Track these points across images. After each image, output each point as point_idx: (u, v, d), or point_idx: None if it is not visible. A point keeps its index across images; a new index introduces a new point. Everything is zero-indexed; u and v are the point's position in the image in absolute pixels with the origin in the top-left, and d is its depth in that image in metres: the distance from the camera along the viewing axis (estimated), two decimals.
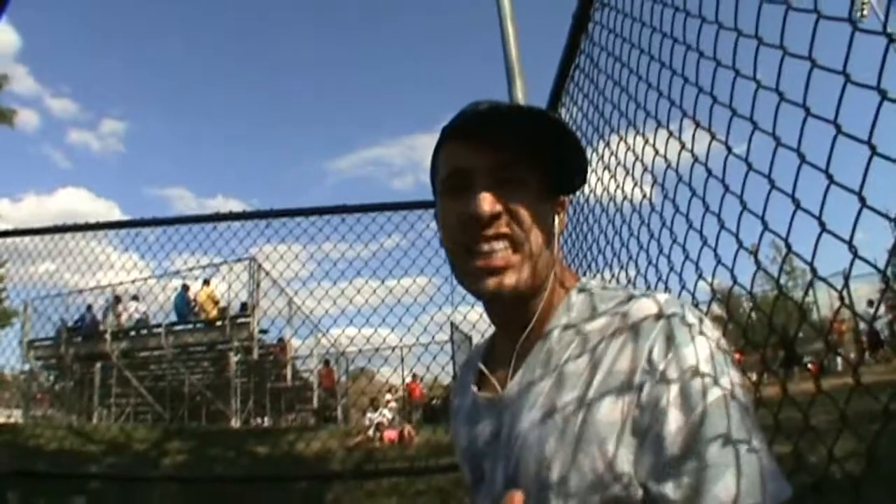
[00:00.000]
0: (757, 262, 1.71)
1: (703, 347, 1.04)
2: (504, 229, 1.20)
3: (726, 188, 1.75)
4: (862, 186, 1.27)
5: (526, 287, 1.22)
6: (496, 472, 1.22)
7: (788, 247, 1.51)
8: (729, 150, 1.73)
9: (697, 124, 1.91)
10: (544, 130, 1.20)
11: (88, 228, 5.62)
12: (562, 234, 1.34)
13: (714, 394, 1.00)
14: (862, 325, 17.10)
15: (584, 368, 1.11)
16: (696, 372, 1.02)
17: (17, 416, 18.61)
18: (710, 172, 1.87)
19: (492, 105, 1.19)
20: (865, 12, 15.23)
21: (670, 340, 1.05)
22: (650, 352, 1.05)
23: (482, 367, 1.41)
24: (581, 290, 1.27)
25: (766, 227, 1.58)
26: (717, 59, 1.77)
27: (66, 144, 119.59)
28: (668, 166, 2.17)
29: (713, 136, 1.82)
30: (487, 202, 1.18)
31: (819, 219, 1.38)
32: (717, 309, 2.02)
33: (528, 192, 1.22)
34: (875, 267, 1.35)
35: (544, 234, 1.24)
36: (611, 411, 1.05)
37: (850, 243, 1.31)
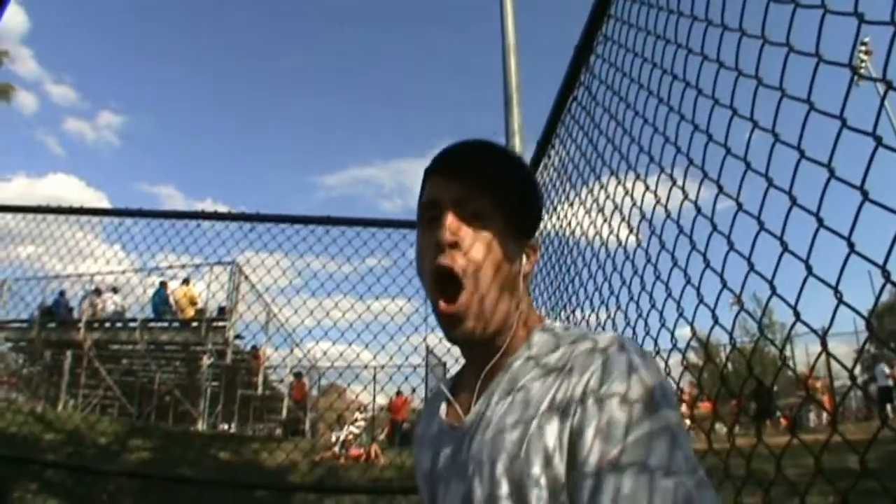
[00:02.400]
0: (741, 305, 1.71)
1: (635, 385, 1.07)
2: (463, 264, 1.25)
3: (714, 227, 1.75)
4: (851, 232, 1.28)
5: (486, 331, 1.28)
6: (452, 491, 1.25)
7: (773, 289, 1.52)
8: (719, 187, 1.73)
9: (690, 162, 1.91)
10: (512, 172, 1.30)
11: (73, 212, 5.54)
12: (529, 275, 1.37)
13: (637, 431, 1.02)
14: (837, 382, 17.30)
15: (535, 396, 1.16)
16: (623, 407, 1.04)
17: None
18: (710, 219, 1.87)
19: (467, 143, 1.28)
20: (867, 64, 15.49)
21: (605, 375, 1.09)
22: (587, 384, 1.09)
23: (449, 395, 1.43)
24: (544, 330, 1.30)
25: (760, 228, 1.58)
26: (716, 98, 1.77)
27: (61, 131, 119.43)
28: (667, 213, 2.17)
29: (705, 174, 1.80)
30: (450, 230, 1.24)
31: (806, 262, 1.40)
32: (693, 357, 2.04)
33: (493, 229, 1.28)
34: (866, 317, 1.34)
35: (507, 275, 1.29)
36: (550, 437, 1.09)
37: (835, 289, 1.30)
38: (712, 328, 1.81)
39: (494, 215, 1.28)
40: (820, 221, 1.34)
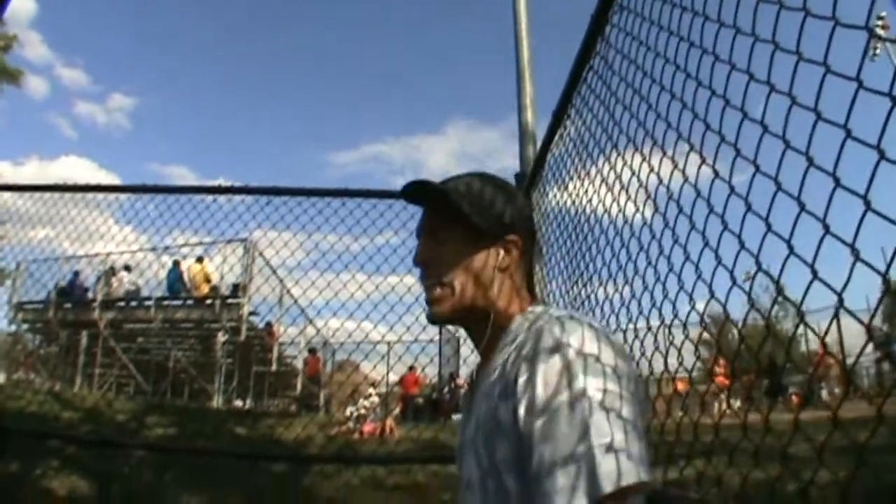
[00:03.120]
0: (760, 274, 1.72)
1: (556, 362, 1.22)
2: (432, 272, 1.57)
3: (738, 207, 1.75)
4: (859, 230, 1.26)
5: (453, 314, 1.56)
6: (465, 464, 1.46)
7: (791, 249, 1.51)
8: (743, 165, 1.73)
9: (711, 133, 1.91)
10: (462, 195, 1.57)
11: (86, 190, 5.54)
12: (509, 267, 1.57)
13: (554, 403, 1.18)
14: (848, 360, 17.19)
15: (498, 380, 1.37)
16: (543, 385, 1.21)
17: None
18: (733, 190, 1.87)
19: (420, 181, 1.61)
20: (878, 51, 15.33)
21: (535, 354, 1.27)
22: (523, 360, 1.29)
23: (473, 378, 1.67)
24: (524, 316, 1.50)
25: (769, 227, 1.58)
26: (733, 62, 1.77)
27: (72, 114, 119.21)
28: (684, 184, 2.16)
29: (724, 140, 1.80)
30: (420, 254, 1.61)
31: (822, 219, 1.38)
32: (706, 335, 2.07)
33: (454, 241, 1.56)
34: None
35: (472, 270, 1.53)
36: (500, 410, 1.31)
37: (852, 246, 1.29)
38: (729, 292, 1.82)
39: (451, 229, 1.56)
40: (837, 181, 1.33)
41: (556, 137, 3.84)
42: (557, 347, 1.24)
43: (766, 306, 1.95)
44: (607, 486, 1.06)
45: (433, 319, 1.59)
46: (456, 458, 1.61)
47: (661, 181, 2.29)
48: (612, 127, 2.81)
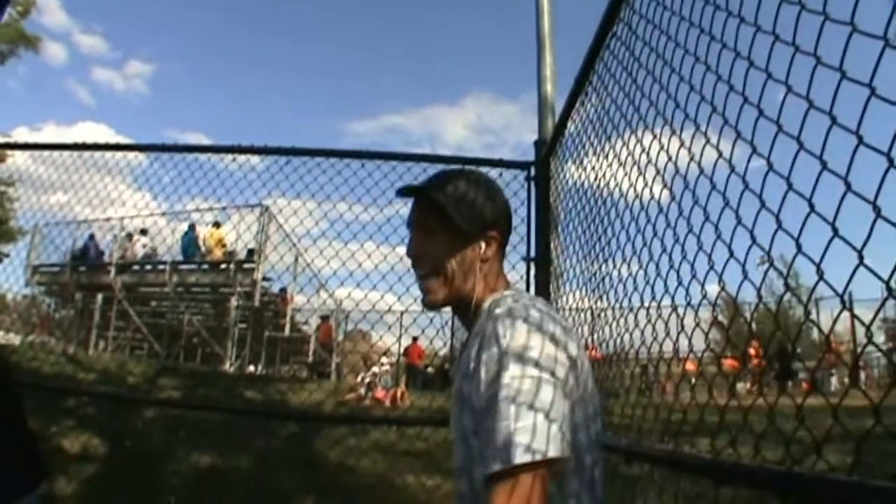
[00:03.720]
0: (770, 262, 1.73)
1: (494, 351, 1.49)
2: (423, 264, 1.81)
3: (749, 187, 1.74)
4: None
5: (443, 301, 1.81)
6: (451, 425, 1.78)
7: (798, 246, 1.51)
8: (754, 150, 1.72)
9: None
10: (449, 193, 1.81)
11: (103, 148, 5.54)
12: (489, 259, 1.82)
13: (495, 384, 1.44)
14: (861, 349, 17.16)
15: (464, 361, 1.66)
16: (487, 368, 1.49)
17: (14, 341, 18.76)
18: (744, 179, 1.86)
19: (414, 188, 1.91)
20: None
21: (484, 343, 1.55)
22: (474, 351, 1.58)
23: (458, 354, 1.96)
24: (490, 302, 1.75)
25: (812, 208, 1.58)
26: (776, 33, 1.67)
27: (90, 81, 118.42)
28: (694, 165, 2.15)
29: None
30: (411, 248, 1.86)
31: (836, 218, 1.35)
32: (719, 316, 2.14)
33: (442, 237, 1.79)
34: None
35: (459, 263, 1.77)
36: (464, 386, 1.60)
37: (859, 252, 1.30)
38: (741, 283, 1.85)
39: (440, 226, 1.79)
40: (861, 140, 1.31)
41: (577, 104, 3.81)
42: (496, 340, 1.50)
43: (779, 291, 1.98)
44: (515, 458, 1.33)
45: (428, 306, 1.84)
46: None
47: (673, 161, 2.31)
48: (635, 92, 2.77)
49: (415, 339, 18.02)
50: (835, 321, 2.08)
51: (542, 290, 4.21)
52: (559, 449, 1.37)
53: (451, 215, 1.76)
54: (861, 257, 1.30)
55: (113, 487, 6.61)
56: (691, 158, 2.15)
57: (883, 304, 1.44)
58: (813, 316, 1.83)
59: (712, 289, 2.05)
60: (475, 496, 1.55)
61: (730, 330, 1.99)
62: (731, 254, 1.84)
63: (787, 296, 1.72)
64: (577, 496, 1.56)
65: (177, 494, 6.28)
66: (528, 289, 4.24)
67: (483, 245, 1.80)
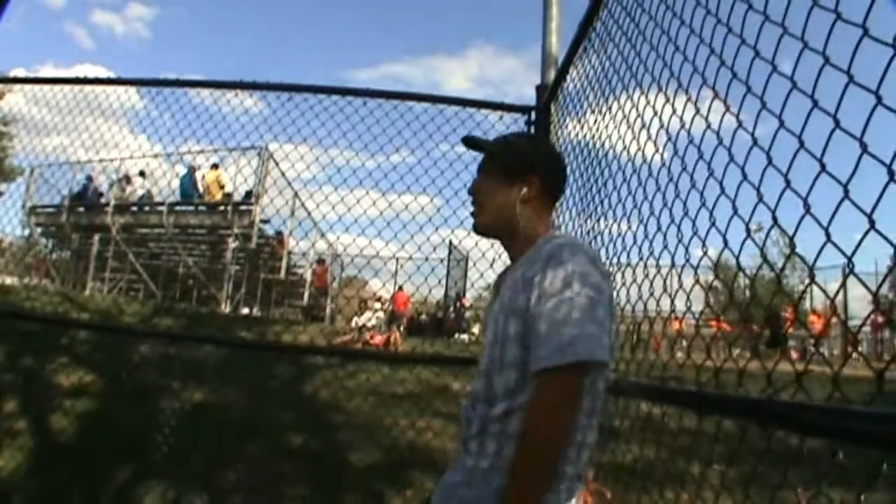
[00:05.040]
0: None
1: (565, 269, 1.81)
2: (477, 198, 2.23)
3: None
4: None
5: (486, 229, 2.23)
6: (488, 331, 2.05)
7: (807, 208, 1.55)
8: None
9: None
10: (499, 147, 2.26)
11: (100, 83, 5.56)
12: (528, 200, 2.13)
13: (562, 294, 1.76)
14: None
15: (520, 278, 1.95)
16: (554, 280, 1.80)
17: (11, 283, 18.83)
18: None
19: (475, 138, 2.32)
20: None
21: (548, 262, 1.85)
22: (539, 266, 1.87)
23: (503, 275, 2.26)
24: (544, 238, 2.03)
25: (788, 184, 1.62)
26: None
27: (90, 24, 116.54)
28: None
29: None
30: (472, 185, 2.27)
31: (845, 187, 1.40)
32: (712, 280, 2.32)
33: (490, 178, 2.19)
34: None
35: (498, 201, 2.14)
36: (518, 298, 1.90)
37: (870, 216, 1.34)
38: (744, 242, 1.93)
39: (490, 168, 2.21)
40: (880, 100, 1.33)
41: (580, 50, 3.83)
42: (563, 262, 1.82)
43: (774, 259, 2.07)
44: (577, 356, 1.68)
45: (476, 230, 2.26)
46: (482, 325, 2.50)
47: (679, 117, 2.36)
48: (640, 41, 2.80)
49: (400, 287, 18.16)
50: (840, 288, 2.16)
51: None
52: (605, 354, 1.76)
53: (497, 157, 2.21)
54: (872, 222, 1.34)
55: (107, 421, 6.74)
56: (697, 112, 2.23)
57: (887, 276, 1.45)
58: (806, 289, 1.88)
59: (709, 253, 2.18)
60: (489, 395, 1.92)
61: (728, 293, 2.12)
62: (735, 211, 1.89)
63: (782, 264, 1.81)
64: (596, 395, 1.91)
65: (170, 427, 6.40)
66: None
67: (524, 188, 2.13)
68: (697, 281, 2.27)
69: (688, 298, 2.39)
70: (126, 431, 6.43)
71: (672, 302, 2.43)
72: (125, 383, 7.85)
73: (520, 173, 2.15)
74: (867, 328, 19.89)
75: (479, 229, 2.25)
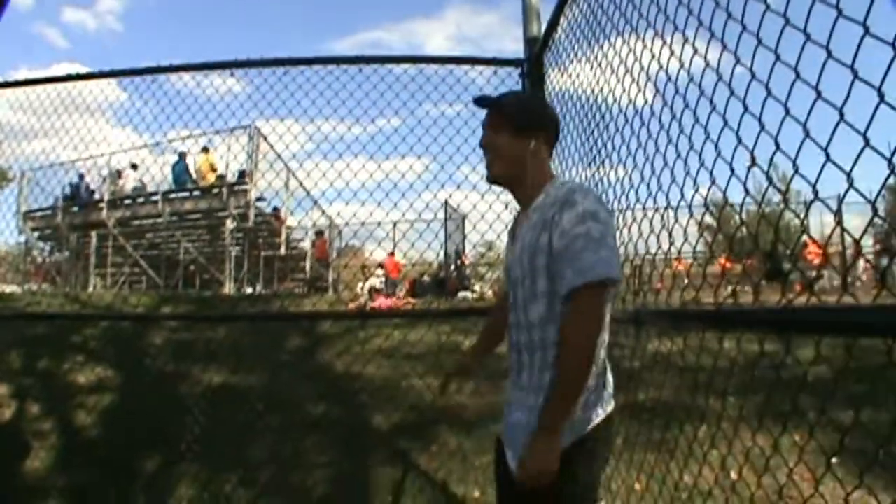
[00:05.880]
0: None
1: (576, 211, 2.16)
2: (489, 151, 2.50)
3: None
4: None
5: (499, 178, 2.51)
6: (512, 270, 2.45)
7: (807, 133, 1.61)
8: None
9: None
10: (507, 101, 2.53)
11: (80, 78, 5.55)
12: (537, 151, 2.44)
13: (578, 229, 2.14)
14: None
15: (538, 220, 2.31)
16: (569, 222, 2.16)
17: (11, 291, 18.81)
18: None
19: (487, 97, 2.57)
20: None
21: (563, 205, 2.20)
22: (555, 212, 2.22)
23: (514, 224, 2.64)
24: (551, 185, 2.40)
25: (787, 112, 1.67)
26: None
27: (61, 23, 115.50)
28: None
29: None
30: (483, 138, 2.54)
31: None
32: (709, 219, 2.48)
33: (503, 133, 2.45)
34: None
35: (512, 153, 2.43)
36: (543, 239, 2.24)
37: (864, 134, 1.39)
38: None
39: (502, 124, 2.46)
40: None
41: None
42: (576, 203, 2.18)
43: (768, 196, 2.22)
44: (597, 276, 2.09)
45: (490, 180, 2.55)
46: (504, 270, 2.65)
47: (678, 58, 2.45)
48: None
49: (391, 253, 18.27)
50: (838, 223, 2.27)
51: None
52: (619, 275, 2.18)
53: (512, 114, 2.47)
54: (866, 140, 1.39)
55: (130, 413, 6.83)
56: (695, 52, 2.28)
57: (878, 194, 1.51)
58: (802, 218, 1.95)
59: (702, 194, 2.36)
60: (529, 325, 2.31)
61: (720, 231, 2.24)
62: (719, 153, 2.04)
63: (777, 200, 1.88)
64: (610, 308, 2.27)
65: (193, 412, 6.49)
66: None
67: (533, 141, 2.44)
68: (699, 222, 2.42)
69: (685, 239, 2.53)
70: (150, 421, 6.52)
71: (670, 245, 2.61)
72: (143, 374, 7.95)
73: (530, 127, 2.45)
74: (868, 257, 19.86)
75: (493, 178, 2.53)
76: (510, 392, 2.46)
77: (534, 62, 4.57)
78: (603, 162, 3.40)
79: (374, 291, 15.18)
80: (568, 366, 2.09)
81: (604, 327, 2.22)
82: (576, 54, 3.80)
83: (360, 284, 15.95)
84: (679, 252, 2.58)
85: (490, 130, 2.51)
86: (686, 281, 2.83)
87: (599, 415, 2.26)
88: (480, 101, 2.56)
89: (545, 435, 2.10)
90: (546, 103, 2.79)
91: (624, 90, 3.02)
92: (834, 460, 3.63)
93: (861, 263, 17.45)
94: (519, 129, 2.44)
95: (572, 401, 2.11)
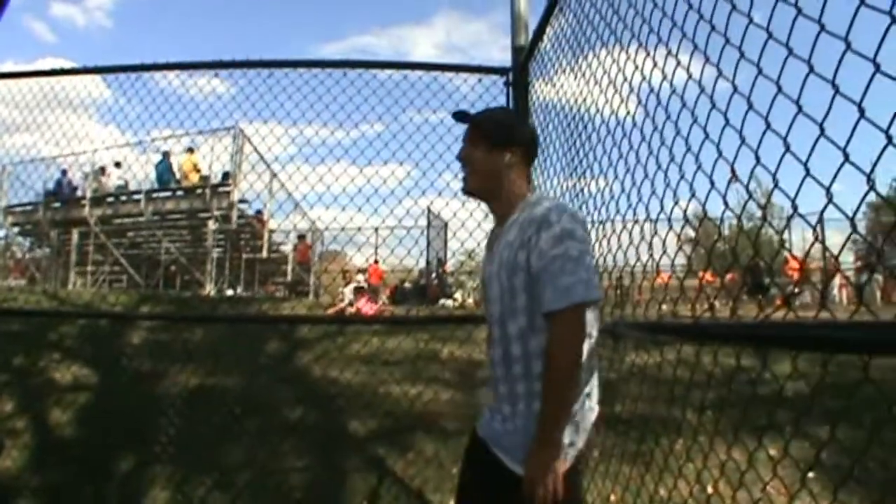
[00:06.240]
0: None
1: (554, 230, 2.22)
2: (466, 164, 2.59)
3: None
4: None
5: (474, 190, 2.62)
6: (490, 285, 2.48)
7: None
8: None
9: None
10: (484, 120, 2.61)
11: (67, 73, 5.56)
12: (512, 166, 2.53)
13: (556, 251, 2.20)
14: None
15: (515, 237, 2.35)
16: (546, 242, 2.22)
17: None
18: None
19: (465, 113, 2.66)
20: None
21: (541, 225, 2.26)
22: (533, 229, 2.27)
23: (491, 236, 2.69)
24: (526, 201, 2.48)
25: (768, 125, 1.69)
26: None
27: (49, 17, 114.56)
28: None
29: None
30: (460, 151, 2.62)
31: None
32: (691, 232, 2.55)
33: (479, 147, 2.55)
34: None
35: (487, 167, 2.53)
36: (521, 258, 2.30)
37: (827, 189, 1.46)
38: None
39: (479, 139, 2.56)
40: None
41: (556, 10, 3.92)
42: (552, 224, 2.24)
43: (750, 210, 2.26)
44: (577, 298, 2.16)
45: (466, 192, 2.65)
46: (481, 283, 2.68)
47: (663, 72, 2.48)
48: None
49: (375, 261, 19.05)
50: (816, 239, 2.30)
51: None
52: (599, 293, 2.25)
53: (486, 130, 2.56)
54: (846, 156, 1.42)
55: (106, 412, 6.79)
56: (678, 64, 2.32)
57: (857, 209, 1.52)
58: (785, 236, 1.99)
59: (683, 208, 2.43)
60: (505, 340, 2.37)
61: (700, 245, 2.27)
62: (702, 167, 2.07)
63: (759, 215, 1.91)
64: (592, 326, 2.36)
65: (169, 413, 6.46)
66: None
67: (508, 156, 2.53)
68: (678, 235, 2.45)
69: (663, 251, 2.61)
70: (125, 420, 6.49)
71: (649, 256, 2.67)
72: (120, 373, 7.90)
73: (506, 143, 2.54)
74: (849, 274, 20.01)
75: (469, 191, 2.63)
76: (488, 398, 2.56)
77: (519, 71, 4.58)
78: (584, 173, 3.45)
79: (357, 291, 15.12)
80: (555, 385, 2.20)
81: (587, 349, 2.31)
82: (560, 64, 3.83)
83: (339, 289, 15.91)
84: (657, 265, 2.62)
85: (468, 144, 2.61)
86: (665, 294, 2.85)
87: (583, 437, 2.39)
88: (459, 116, 2.67)
89: (544, 449, 2.22)
90: (524, 120, 2.91)
91: (607, 101, 3.05)
92: (810, 475, 3.66)
93: (836, 281, 17.60)
94: (495, 145, 2.54)
95: (563, 416, 2.24)
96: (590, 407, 2.44)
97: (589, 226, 3.20)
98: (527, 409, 2.32)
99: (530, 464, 2.23)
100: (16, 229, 20.60)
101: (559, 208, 2.31)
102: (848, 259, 19.75)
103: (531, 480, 2.21)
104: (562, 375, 2.19)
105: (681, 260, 2.69)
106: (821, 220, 1.72)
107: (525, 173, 2.62)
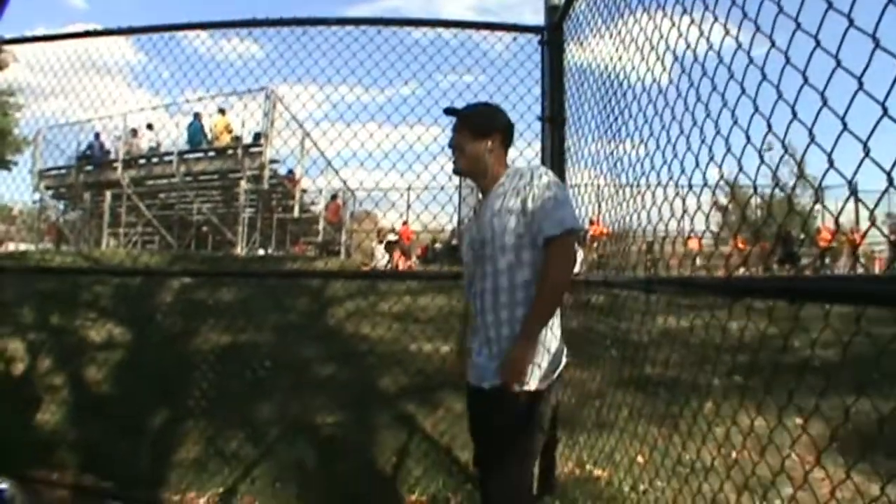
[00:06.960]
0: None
1: (543, 179, 2.81)
2: (457, 150, 3.07)
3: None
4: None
5: (464, 172, 3.14)
6: (474, 246, 2.96)
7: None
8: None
9: None
10: (470, 112, 3.13)
11: (100, 34, 5.64)
12: (493, 149, 3.01)
13: (548, 193, 2.76)
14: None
15: (503, 192, 2.89)
16: (539, 187, 2.77)
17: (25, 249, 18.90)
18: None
19: (454, 109, 3.21)
20: None
21: (533, 176, 2.82)
22: (526, 179, 2.83)
23: (478, 205, 3.15)
24: (507, 173, 3.00)
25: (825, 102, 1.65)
26: None
27: None
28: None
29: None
30: (451, 139, 3.11)
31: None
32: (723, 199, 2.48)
33: (466, 136, 3.04)
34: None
35: (473, 152, 3.02)
36: (512, 203, 2.81)
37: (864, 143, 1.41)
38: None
39: (465, 129, 3.05)
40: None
41: None
42: (542, 175, 2.83)
43: (785, 180, 2.17)
44: (569, 226, 2.72)
45: (455, 173, 3.21)
46: (466, 241, 3.11)
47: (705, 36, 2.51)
48: None
49: (405, 222, 19.38)
50: (872, 223, 2.24)
51: (557, 147, 4.45)
52: (581, 226, 2.87)
53: (470, 121, 3.06)
54: (867, 150, 1.40)
55: (140, 370, 6.90)
56: (726, 32, 2.17)
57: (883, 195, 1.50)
58: (817, 207, 1.94)
59: (716, 172, 2.34)
60: (495, 275, 2.85)
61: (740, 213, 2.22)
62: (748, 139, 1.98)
63: (792, 184, 1.86)
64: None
65: (202, 370, 6.55)
66: (543, 145, 4.56)
67: (490, 142, 3.02)
68: (713, 202, 2.42)
69: (698, 208, 2.57)
70: (159, 377, 6.58)
71: (678, 222, 2.69)
72: (153, 331, 8.00)
73: (487, 132, 3.04)
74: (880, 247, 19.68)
75: (459, 171, 3.17)
76: (472, 337, 3.07)
77: (553, 31, 4.54)
78: (617, 134, 3.43)
79: (390, 246, 15.18)
80: (547, 295, 2.72)
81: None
82: (597, 25, 3.78)
83: (373, 244, 15.96)
84: (690, 230, 2.69)
85: (456, 134, 3.11)
86: (698, 260, 2.93)
87: (559, 368, 2.92)
88: (449, 112, 3.22)
89: (524, 343, 2.71)
90: (501, 110, 3.20)
91: (646, 63, 3.02)
92: (833, 446, 3.64)
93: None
94: (479, 134, 3.03)
95: (545, 321, 2.77)
96: (553, 335, 2.90)
97: (625, 185, 3.58)
98: (510, 332, 2.81)
99: (512, 350, 2.72)
100: (50, 192, 20.79)
101: (539, 168, 2.96)
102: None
103: (510, 359, 2.70)
104: (555, 289, 2.74)
105: (713, 227, 2.73)
106: (854, 194, 1.71)
107: (503, 154, 3.14)
